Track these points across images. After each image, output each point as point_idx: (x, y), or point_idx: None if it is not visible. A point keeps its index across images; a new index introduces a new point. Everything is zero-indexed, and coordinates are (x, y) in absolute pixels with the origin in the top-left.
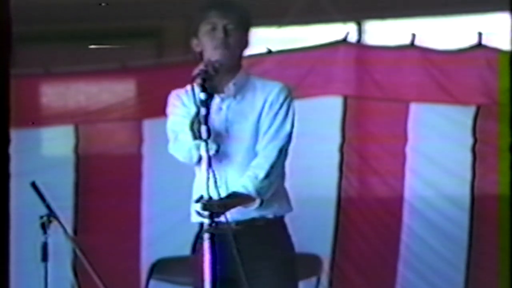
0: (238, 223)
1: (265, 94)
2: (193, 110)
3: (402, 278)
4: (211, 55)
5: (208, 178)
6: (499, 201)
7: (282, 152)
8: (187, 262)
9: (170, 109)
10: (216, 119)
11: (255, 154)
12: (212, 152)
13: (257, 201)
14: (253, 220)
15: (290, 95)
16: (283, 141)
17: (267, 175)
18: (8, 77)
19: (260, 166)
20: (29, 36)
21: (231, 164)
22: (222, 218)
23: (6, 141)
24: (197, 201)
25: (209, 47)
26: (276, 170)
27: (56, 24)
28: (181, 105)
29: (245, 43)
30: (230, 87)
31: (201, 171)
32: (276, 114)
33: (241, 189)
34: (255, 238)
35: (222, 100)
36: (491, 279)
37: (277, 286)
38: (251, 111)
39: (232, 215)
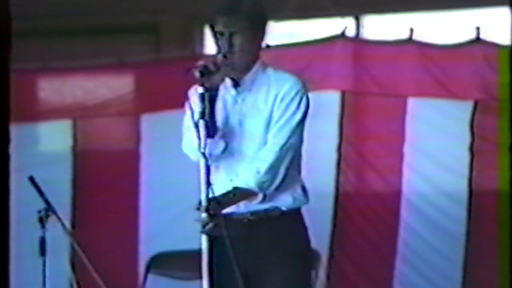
0: (252, 213)
1: (278, 88)
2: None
3: (399, 273)
4: (219, 60)
5: (207, 179)
6: (499, 197)
7: (289, 144)
8: (185, 256)
9: (188, 105)
10: (232, 113)
11: None
12: (220, 149)
13: (259, 196)
14: (266, 211)
15: (304, 89)
16: (289, 133)
17: (270, 169)
18: (8, 76)
19: (263, 160)
20: (26, 31)
21: (243, 158)
22: (234, 209)
23: (6, 139)
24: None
25: (217, 52)
26: (282, 163)
27: (53, 19)
28: (198, 101)
29: (259, 40)
30: (246, 81)
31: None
32: (286, 108)
33: (242, 184)
34: (269, 230)
35: (238, 93)
36: (488, 274)
37: (289, 279)
38: (264, 105)
39: (246, 205)
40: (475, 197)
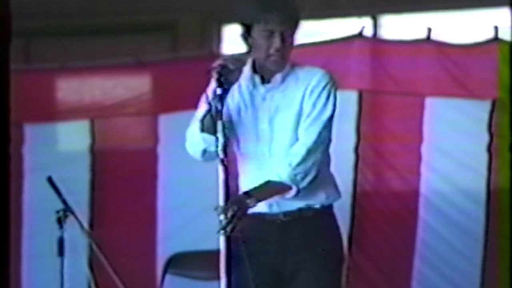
0: (285, 214)
1: (306, 82)
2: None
3: (418, 273)
4: (264, 61)
5: (225, 177)
6: (500, 194)
7: (321, 138)
8: (203, 256)
9: (203, 100)
10: (260, 109)
11: None
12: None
13: (293, 190)
14: (300, 210)
15: (332, 81)
16: (321, 127)
17: (302, 161)
18: (8, 76)
19: (296, 153)
20: (44, 31)
21: (276, 155)
22: (267, 210)
23: (6, 139)
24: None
25: (263, 52)
26: (314, 156)
27: (71, 19)
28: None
29: (295, 38)
30: (277, 78)
31: (242, 169)
32: (316, 100)
33: (275, 178)
34: (302, 230)
35: (267, 90)
36: None
37: (322, 279)
38: (294, 100)
39: (279, 205)
40: (494, 196)
